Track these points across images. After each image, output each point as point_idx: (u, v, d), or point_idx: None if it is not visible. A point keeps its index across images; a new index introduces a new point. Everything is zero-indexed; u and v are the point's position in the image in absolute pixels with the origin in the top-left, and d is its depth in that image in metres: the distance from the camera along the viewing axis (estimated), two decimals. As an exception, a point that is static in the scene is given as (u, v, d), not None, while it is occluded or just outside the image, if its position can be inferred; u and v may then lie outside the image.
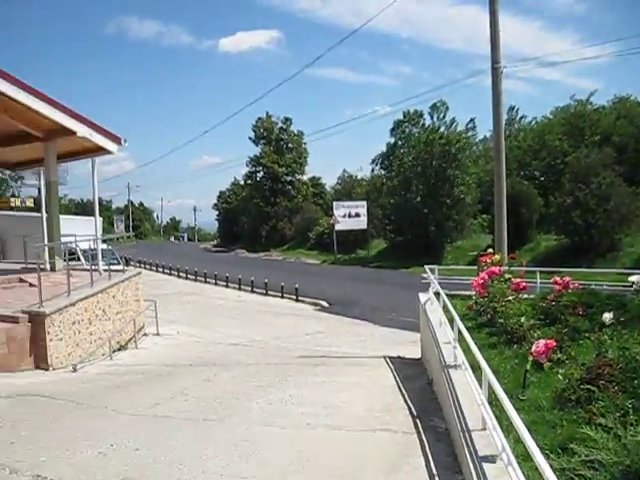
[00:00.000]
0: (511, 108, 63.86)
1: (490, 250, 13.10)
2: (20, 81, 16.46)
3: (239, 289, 36.80)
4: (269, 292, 33.99)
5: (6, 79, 16.10)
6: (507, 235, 18.42)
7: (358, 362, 13.04)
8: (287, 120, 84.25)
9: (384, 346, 17.73)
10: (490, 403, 5.42)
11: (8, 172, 61.55)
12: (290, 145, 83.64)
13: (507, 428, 4.99)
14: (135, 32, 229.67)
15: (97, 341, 14.60)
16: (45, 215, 21.20)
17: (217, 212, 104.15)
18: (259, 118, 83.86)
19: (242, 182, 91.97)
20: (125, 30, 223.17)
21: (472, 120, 58.74)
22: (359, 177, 73.34)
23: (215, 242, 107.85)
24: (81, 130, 18.14)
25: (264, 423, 7.66)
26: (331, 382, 10.34)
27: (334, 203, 61.81)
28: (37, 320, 12.46)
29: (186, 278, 44.62)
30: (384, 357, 13.07)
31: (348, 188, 71.25)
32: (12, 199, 57.96)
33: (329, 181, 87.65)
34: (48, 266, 18.98)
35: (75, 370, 12.47)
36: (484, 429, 5.47)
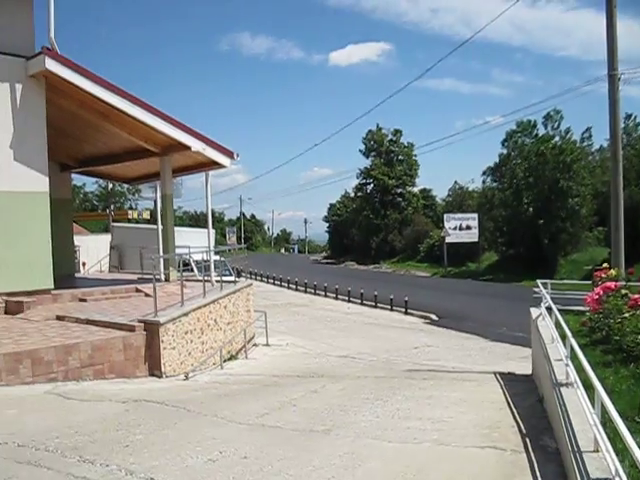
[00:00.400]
0: (627, 116, 61.37)
1: (606, 264, 12.67)
2: (137, 98, 17.15)
3: (348, 301, 36.96)
4: (378, 304, 33.93)
5: (124, 97, 16.80)
6: (625, 248, 17.74)
7: (467, 377, 12.83)
8: (397, 132, 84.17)
9: (494, 361, 17.42)
10: (603, 424, 5.22)
11: (126, 186, 64.24)
12: (400, 157, 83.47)
13: (621, 451, 4.80)
14: (248, 48, 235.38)
15: (208, 350, 14.93)
16: (161, 227, 21.90)
17: (327, 224, 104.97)
18: (369, 130, 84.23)
19: (352, 194, 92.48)
20: (238, 46, 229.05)
21: (588, 129, 56.81)
22: (470, 189, 72.37)
23: (325, 254, 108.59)
24: (195, 145, 18.69)
25: (371, 436, 7.63)
26: (439, 397, 10.21)
27: (445, 215, 61.35)
28: (152, 329, 12.86)
29: (296, 289, 45.15)
30: (494, 372, 12.83)
31: (459, 200, 70.46)
32: (130, 211, 60.51)
33: (440, 193, 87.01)
34: (163, 277, 19.60)
35: (187, 378, 12.80)
36: (596, 451, 5.27)
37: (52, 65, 15.43)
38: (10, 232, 15.55)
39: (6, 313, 15.69)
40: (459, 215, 61.07)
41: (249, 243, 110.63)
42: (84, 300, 17.13)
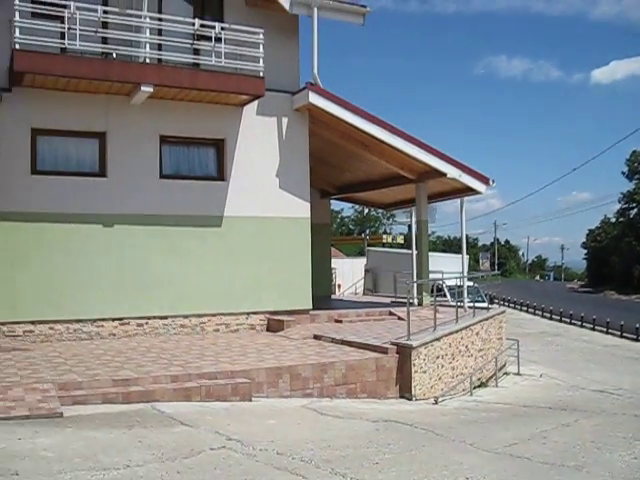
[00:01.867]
0: None
1: None
2: (395, 127, 17.72)
3: (606, 333, 35.12)
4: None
5: (383, 127, 17.46)
6: None
7: None
8: (666, 151, 78.29)
9: None
10: None
11: (381, 211, 65.96)
12: (671, 179, 77.56)
13: None
14: (504, 70, 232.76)
15: (458, 376, 14.95)
16: (415, 252, 22.26)
17: (585, 251, 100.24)
18: (634, 151, 78.95)
19: (613, 220, 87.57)
20: (494, 69, 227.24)
21: None
22: None
23: (581, 282, 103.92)
24: (451, 171, 18.84)
25: (627, 478, 7.29)
26: None
27: None
28: (404, 352, 13.13)
29: (550, 318, 43.67)
30: None
31: None
32: (384, 236, 62.01)
33: None
34: (416, 301, 19.86)
35: (436, 402, 12.91)
36: None
37: (315, 99, 16.53)
38: (275, 255, 16.81)
39: (268, 330, 16.93)
40: None
41: (503, 269, 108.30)
42: (339, 321, 17.85)
